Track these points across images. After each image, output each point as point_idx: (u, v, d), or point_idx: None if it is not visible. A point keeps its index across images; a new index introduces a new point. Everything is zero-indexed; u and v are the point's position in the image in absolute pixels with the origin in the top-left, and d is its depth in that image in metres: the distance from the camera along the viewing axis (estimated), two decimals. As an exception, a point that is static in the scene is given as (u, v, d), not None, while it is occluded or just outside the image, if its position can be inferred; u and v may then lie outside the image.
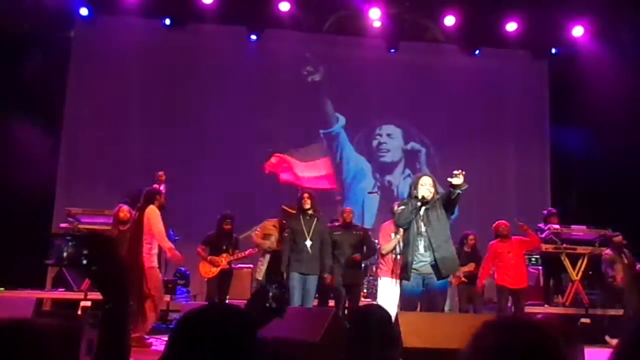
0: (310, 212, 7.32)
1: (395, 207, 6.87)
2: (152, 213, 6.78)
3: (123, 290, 1.90)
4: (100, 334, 1.82)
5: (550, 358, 1.35)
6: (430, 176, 6.03)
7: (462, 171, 5.42)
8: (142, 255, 6.48)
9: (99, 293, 1.89)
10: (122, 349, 1.79)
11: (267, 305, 2.79)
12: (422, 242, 5.58)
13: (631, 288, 8.39)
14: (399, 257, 6.50)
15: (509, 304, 8.10)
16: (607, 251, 8.72)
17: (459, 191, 5.45)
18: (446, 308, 7.75)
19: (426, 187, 5.65)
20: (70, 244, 2.01)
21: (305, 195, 7.48)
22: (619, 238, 8.75)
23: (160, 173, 8.09)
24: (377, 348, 2.71)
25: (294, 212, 7.54)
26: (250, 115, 11.11)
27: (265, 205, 10.38)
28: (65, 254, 2.01)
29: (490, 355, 1.40)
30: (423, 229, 5.59)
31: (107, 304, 1.83)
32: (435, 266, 5.55)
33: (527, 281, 8.26)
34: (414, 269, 5.58)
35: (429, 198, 5.61)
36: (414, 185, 5.79)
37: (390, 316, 2.94)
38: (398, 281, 6.53)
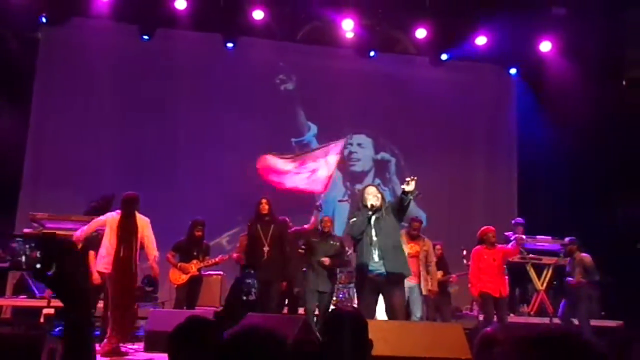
0: (267, 217, 7.45)
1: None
2: (146, 222, 6.74)
3: (84, 298, 1.80)
4: (64, 344, 1.73)
5: None
6: (374, 185, 6.23)
7: (414, 177, 5.52)
8: (135, 261, 6.37)
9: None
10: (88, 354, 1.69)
11: (245, 298, 2.74)
12: (376, 252, 5.61)
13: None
14: None
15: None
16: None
17: (410, 197, 5.57)
18: (417, 315, 7.73)
19: (373, 195, 5.74)
20: (25, 246, 1.89)
21: (264, 200, 7.58)
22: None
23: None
24: (350, 353, 2.65)
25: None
26: (222, 122, 10.98)
27: (236, 212, 10.29)
28: (21, 258, 1.90)
29: None
30: (375, 238, 5.63)
31: (69, 313, 1.74)
32: (387, 273, 5.57)
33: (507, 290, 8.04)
34: (370, 277, 5.60)
35: (378, 205, 5.67)
36: (362, 196, 5.88)
37: (365, 321, 2.86)
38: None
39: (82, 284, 1.82)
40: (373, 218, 5.67)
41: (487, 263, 7.71)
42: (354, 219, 5.88)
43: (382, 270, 5.56)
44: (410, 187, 5.48)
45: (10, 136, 9.80)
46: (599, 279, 8.29)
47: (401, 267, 5.73)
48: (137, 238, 6.58)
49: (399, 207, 5.72)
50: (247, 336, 1.71)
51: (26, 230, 8.24)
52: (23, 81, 10.16)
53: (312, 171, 9.28)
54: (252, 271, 7.05)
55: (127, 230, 6.56)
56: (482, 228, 7.98)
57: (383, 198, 5.85)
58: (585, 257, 8.36)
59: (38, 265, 1.81)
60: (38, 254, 1.82)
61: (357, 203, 6.06)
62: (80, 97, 10.64)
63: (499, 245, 7.97)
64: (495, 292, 7.65)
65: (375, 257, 5.59)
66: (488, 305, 7.71)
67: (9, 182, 9.81)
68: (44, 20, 10.32)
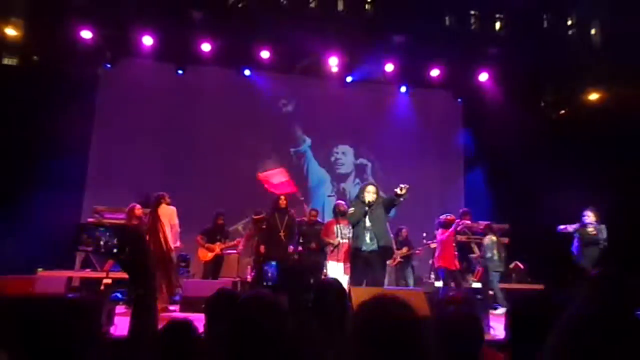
0: (283, 210, 7.44)
1: (340, 207, 6.95)
2: (170, 210, 6.75)
3: (151, 278, 1.81)
4: (132, 316, 1.71)
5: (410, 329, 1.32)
6: (374, 185, 6.10)
7: (407, 186, 5.52)
8: (162, 243, 6.36)
9: (124, 274, 1.77)
10: (152, 327, 1.71)
11: (265, 283, 2.75)
12: (368, 234, 5.63)
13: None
14: (339, 246, 6.58)
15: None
16: (492, 237, 8.45)
17: (400, 199, 5.58)
18: (386, 282, 7.77)
19: (371, 194, 5.74)
20: (106, 234, 1.93)
21: (282, 196, 7.61)
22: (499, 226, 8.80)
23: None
24: (336, 313, 2.64)
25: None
26: (237, 137, 10.95)
27: (248, 204, 10.31)
28: (101, 243, 1.93)
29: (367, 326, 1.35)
30: (368, 224, 5.65)
31: (138, 290, 1.73)
32: (377, 252, 5.59)
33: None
34: (362, 255, 5.63)
35: (373, 201, 5.68)
36: (362, 191, 5.86)
37: (344, 288, 2.88)
38: (341, 263, 6.55)
39: (147, 265, 1.81)
40: (367, 209, 5.69)
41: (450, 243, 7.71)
42: (353, 209, 5.87)
43: (374, 247, 5.59)
44: (402, 192, 5.50)
45: (78, 146, 9.82)
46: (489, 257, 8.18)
47: (388, 248, 5.77)
48: (161, 225, 6.52)
49: (389, 204, 5.75)
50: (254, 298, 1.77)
51: (90, 219, 8.24)
52: (86, 105, 10.14)
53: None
54: (272, 262, 6.98)
55: (152, 220, 6.60)
56: (446, 216, 7.96)
57: (378, 195, 5.83)
58: (487, 239, 8.33)
59: (115, 250, 1.82)
60: (115, 241, 1.83)
61: (357, 196, 5.97)
62: (130, 118, 10.62)
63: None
64: (453, 265, 7.70)
65: (367, 239, 5.62)
66: (449, 277, 7.72)
67: (77, 181, 9.81)
68: (108, 66, 10.31)
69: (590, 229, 7.53)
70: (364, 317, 1.40)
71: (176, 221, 6.83)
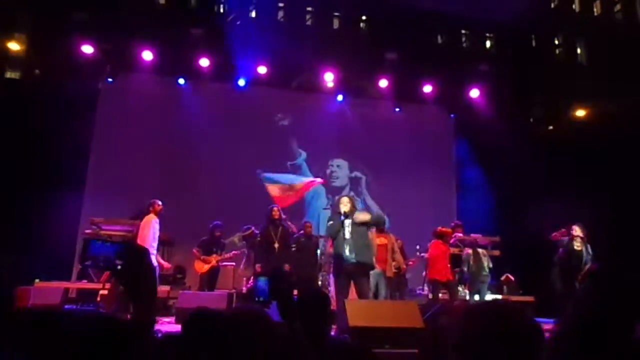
0: (277, 222, 7.23)
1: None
2: (145, 221, 6.43)
3: (154, 296, 1.77)
4: (131, 332, 1.65)
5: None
6: (347, 196, 6.07)
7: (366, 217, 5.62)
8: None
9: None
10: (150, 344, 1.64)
11: (257, 299, 2.71)
12: (347, 247, 5.50)
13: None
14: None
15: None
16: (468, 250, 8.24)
17: (370, 223, 5.67)
18: (383, 294, 7.67)
19: (344, 204, 5.62)
20: (109, 249, 1.85)
21: (275, 208, 7.40)
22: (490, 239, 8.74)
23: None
24: (319, 323, 2.67)
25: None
26: (235, 149, 10.89)
27: (245, 216, 10.23)
28: (102, 258, 1.85)
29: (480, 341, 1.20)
30: (347, 236, 5.53)
31: (139, 308, 1.68)
32: (357, 264, 5.48)
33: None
34: (345, 267, 5.50)
35: (349, 212, 5.57)
36: (337, 205, 5.76)
37: (327, 296, 2.90)
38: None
39: (147, 282, 1.76)
40: (346, 222, 5.57)
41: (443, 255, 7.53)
42: (331, 222, 5.77)
43: (353, 260, 5.46)
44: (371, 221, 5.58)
45: (77, 160, 9.74)
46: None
47: (369, 260, 5.65)
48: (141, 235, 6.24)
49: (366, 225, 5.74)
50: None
51: (87, 231, 8.14)
52: (86, 118, 10.10)
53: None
54: (263, 278, 6.83)
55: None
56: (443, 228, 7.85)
57: (353, 205, 5.73)
58: (465, 252, 8.10)
59: (119, 267, 1.76)
60: (114, 258, 1.78)
61: (334, 210, 5.92)
62: (129, 130, 10.57)
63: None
64: (444, 277, 7.49)
65: (347, 252, 5.49)
66: (436, 289, 7.55)
67: (75, 194, 9.73)
68: (109, 80, 10.30)
69: (576, 244, 7.52)
70: (479, 326, 1.23)
71: (147, 232, 6.30)
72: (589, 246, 7.36)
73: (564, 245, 7.55)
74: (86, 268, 7.54)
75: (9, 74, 9.52)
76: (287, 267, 7.01)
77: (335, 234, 5.63)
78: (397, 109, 11.82)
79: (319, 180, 10.03)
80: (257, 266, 7.11)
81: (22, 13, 9.26)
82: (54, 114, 8.82)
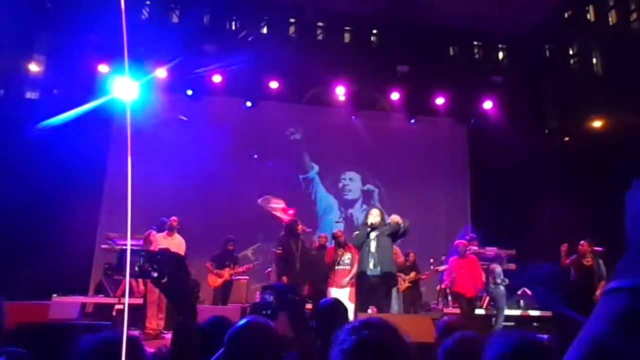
0: (299, 235, 7.23)
1: (339, 238, 6.99)
2: (155, 237, 6.85)
3: (193, 304, 1.82)
4: (172, 340, 1.70)
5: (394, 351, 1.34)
6: (378, 209, 6.18)
7: (407, 222, 5.68)
8: None
9: (137, 298, 1.76)
10: (195, 351, 1.72)
11: (264, 313, 2.81)
12: (372, 260, 5.60)
13: None
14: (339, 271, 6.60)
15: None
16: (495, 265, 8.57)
17: (403, 227, 5.68)
18: (396, 308, 7.74)
19: (373, 216, 5.75)
20: (139, 259, 1.87)
21: (300, 223, 7.43)
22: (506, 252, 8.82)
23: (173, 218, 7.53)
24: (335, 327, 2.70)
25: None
26: (247, 163, 11.13)
27: (257, 230, 10.42)
28: (137, 267, 1.86)
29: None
30: (373, 249, 5.62)
31: (178, 314, 1.72)
32: (381, 277, 5.57)
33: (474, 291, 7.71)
34: (367, 280, 5.59)
35: (376, 224, 5.67)
36: (366, 216, 5.90)
37: (347, 309, 2.96)
38: (344, 289, 6.52)
39: (189, 291, 1.80)
40: (372, 234, 5.65)
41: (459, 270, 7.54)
42: (357, 232, 5.87)
43: (376, 274, 5.54)
44: (403, 225, 5.64)
45: (93, 176, 10.04)
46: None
47: (391, 274, 5.73)
48: None
49: (394, 234, 5.77)
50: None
51: (103, 246, 8.37)
52: (102, 136, 10.41)
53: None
54: (269, 290, 6.86)
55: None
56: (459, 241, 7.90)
57: (382, 219, 5.83)
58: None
59: (155, 274, 1.80)
60: (148, 266, 1.81)
61: (363, 219, 6.00)
62: (143, 145, 10.81)
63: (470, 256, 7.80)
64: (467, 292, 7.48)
65: (371, 265, 5.57)
66: (461, 302, 7.55)
67: (91, 210, 10.01)
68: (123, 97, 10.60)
69: (586, 260, 7.54)
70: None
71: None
72: (600, 261, 7.37)
73: (574, 264, 7.59)
74: (100, 280, 7.79)
75: (28, 95, 9.91)
76: (284, 279, 6.97)
77: (360, 245, 5.73)
78: (413, 121, 11.91)
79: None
80: (284, 278, 7.13)
81: (41, 36, 9.66)
82: (71, 132, 9.15)
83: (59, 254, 7.98)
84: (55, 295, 7.57)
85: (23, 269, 7.54)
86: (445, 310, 8.41)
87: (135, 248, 7.28)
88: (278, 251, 7.21)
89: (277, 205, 9.92)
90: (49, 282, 7.82)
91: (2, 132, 8.72)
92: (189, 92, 10.95)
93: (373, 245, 5.65)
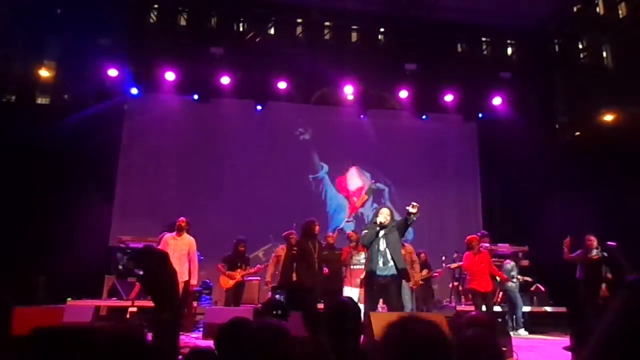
0: (316, 235, 7.07)
1: (351, 237, 6.91)
2: (163, 240, 6.89)
3: (176, 300, 1.80)
4: (154, 337, 1.67)
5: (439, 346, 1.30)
6: (388, 207, 6.06)
7: (417, 204, 5.43)
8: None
9: (149, 301, 1.75)
10: (174, 350, 1.70)
11: (274, 312, 2.81)
12: (382, 259, 5.53)
13: None
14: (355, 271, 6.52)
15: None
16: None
17: (413, 218, 5.44)
18: (409, 307, 7.71)
19: (383, 215, 5.64)
20: (123, 257, 1.85)
21: (317, 222, 7.19)
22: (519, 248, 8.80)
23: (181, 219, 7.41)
24: (352, 332, 2.66)
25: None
26: (256, 164, 11.17)
27: (268, 231, 10.44)
28: (121, 266, 1.84)
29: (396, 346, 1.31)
30: (382, 247, 5.55)
31: (162, 313, 1.70)
32: (392, 276, 5.51)
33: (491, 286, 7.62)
34: (376, 280, 5.51)
35: (386, 223, 5.59)
36: (375, 214, 5.78)
37: (360, 308, 2.93)
38: (355, 288, 6.45)
39: (171, 288, 1.76)
40: (381, 232, 5.58)
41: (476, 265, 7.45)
42: (365, 231, 5.79)
43: (386, 273, 5.48)
44: (413, 209, 5.38)
45: (105, 180, 10.13)
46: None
47: (402, 272, 5.63)
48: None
49: (404, 224, 5.58)
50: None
51: (122, 246, 8.42)
52: (112, 140, 10.50)
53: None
54: (280, 291, 6.80)
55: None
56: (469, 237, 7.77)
57: (392, 218, 5.74)
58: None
59: (139, 272, 1.79)
60: (132, 264, 1.80)
61: (372, 219, 5.86)
62: (154, 149, 10.92)
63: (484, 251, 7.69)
64: (482, 288, 7.37)
65: (381, 263, 5.49)
66: (476, 299, 7.42)
67: (104, 214, 10.10)
68: (135, 91, 10.70)
69: (592, 254, 7.47)
70: (390, 337, 1.35)
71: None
72: (605, 254, 7.30)
73: (580, 259, 7.52)
74: (114, 283, 7.84)
75: (39, 100, 10.02)
76: (294, 277, 6.91)
77: (369, 243, 5.66)
78: (424, 117, 11.86)
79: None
80: (293, 275, 6.98)
81: (51, 41, 9.76)
82: (82, 135, 9.24)
83: (73, 258, 8.06)
84: (69, 299, 7.64)
85: (42, 273, 7.62)
86: (458, 307, 8.36)
87: (122, 247, 7.38)
88: (294, 251, 7.09)
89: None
90: (63, 286, 7.90)
91: (14, 138, 8.83)
92: (195, 97, 10.98)
93: (382, 244, 5.58)
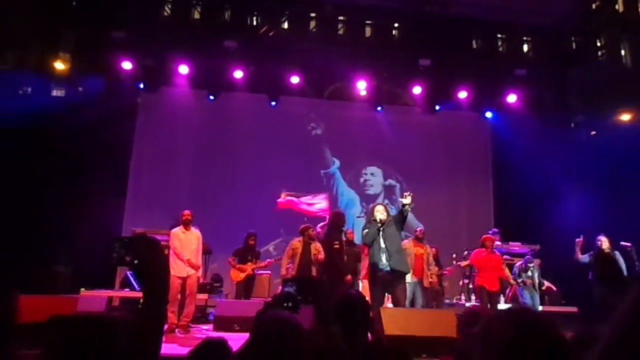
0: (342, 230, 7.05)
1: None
2: (172, 234, 7.02)
3: (163, 286, 1.77)
4: (138, 320, 1.64)
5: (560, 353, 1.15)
6: (382, 204, 6.10)
7: (410, 193, 5.48)
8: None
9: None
10: (158, 334, 1.67)
11: (285, 305, 2.83)
12: (384, 255, 5.57)
13: None
14: None
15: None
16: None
17: (408, 209, 5.50)
18: (420, 303, 7.72)
19: (380, 212, 5.69)
20: (120, 245, 1.83)
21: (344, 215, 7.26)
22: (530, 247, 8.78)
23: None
24: (362, 323, 2.70)
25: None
26: (269, 159, 11.21)
27: (279, 226, 10.49)
28: (115, 254, 1.82)
29: (505, 347, 1.16)
30: (383, 245, 5.59)
31: (149, 296, 1.66)
32: (393, 272, 5.55)
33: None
34: (380, 275, 5.56)
35: (385, 220, 5.64)
36: (371, 213, 5.82)
37: (368, 302, 2.98)
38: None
39: (157, 269, 1.70)
40: (381, 229, 5.64)
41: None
42: (366, 230, 5.81)
43: (388, 268, 5.51)
44: (407, 200, 5.44)
45: (118, 172, 10.23)
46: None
47: (403, 266, 5.67)
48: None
49: (400, 217, 5.63)
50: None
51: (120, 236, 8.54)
52: (126, 133, 10.61)
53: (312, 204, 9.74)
54: (291, 283, 6.82)
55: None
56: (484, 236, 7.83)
57: (388, 213, 5.79)
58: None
59: (135, 261, 1.76)
60: (124, 252, 1.77)
61: (368, 218, 5.95)
62: (167, 142, 11.03)
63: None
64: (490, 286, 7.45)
65: (383, 259, 5.53)
66: (483, 297, 7.50)
67: (117, 207, 10.21)
68: (141, 86, 10.81)
69: (603, 254, 7.38)
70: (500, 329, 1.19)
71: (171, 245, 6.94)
72: (619, 256, 7.23)
73: (595, 258, 7.43)
74: (126, 274, 7.95)
75: (55, 92, 10.14)
76: (349, 279, 6.92)
77: (371, 242, 5.69)
78: (432, 114, 11.80)
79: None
80: (314, 269, 7.04)
81: (66, 34, 9.86)
82: (96, 128, 9.34)
83: (86, 249, 8.18)
84: (83, 289, 7.76)
85: (57, 264, 7.74)
86: (468, 305, 8.36)
87: (116, 236, 7.48)
88: (335, 245, 6.85)
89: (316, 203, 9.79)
90: (77, 276, 8.03)
91: (29, 130, 8.94)
92: (211, 97, 11.05)
93: (382, 240, 5.62)
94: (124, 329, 1.55)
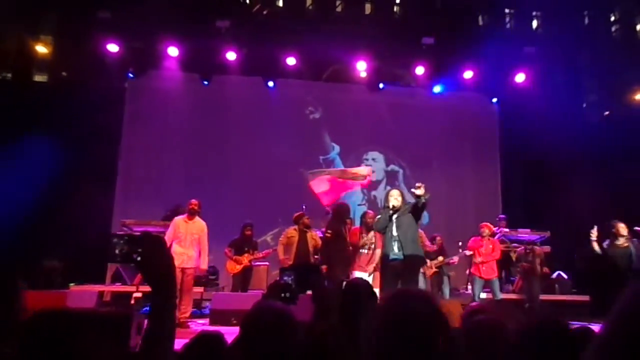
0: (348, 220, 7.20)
1: (367, 218, 6.87)
2: (173, 222, 7.02)
3: (172, 285, 1.80)
4: (148, 321, 1.67)
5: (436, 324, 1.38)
6: (398, 189, 6.01)
7: (422, 184, 5.37)
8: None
9: (149, 286, 1.74)
10: (170, 336, 1.70)
11: (282, 295, 2.84)
12: (396, 244, 5.52)
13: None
14: (362, 255, 6.54)
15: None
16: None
17: (423, 200, 5.38)
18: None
19: (394, 198, 5.62)
20: (120, 242, 1.84)
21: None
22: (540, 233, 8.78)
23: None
24: (365, 311, 2.71)
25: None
26: (265, 145, 11.15)
27: (277, 215, 10.47)
28: (118, 251, 1.82)
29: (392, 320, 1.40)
30: (395, 233, 5.53)
31: (157, 297, 1.70)
32: (406, 261, 5.49)
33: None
34: (391, 264, 5.52)
35: (398, 206, 5.57)
36: (386, 198, 5.76)
37: (373, 289, 2.98)
38: (365, 273, 6.47)
39: (164, 269, 1.72)
40: (394, 216, 5.55)
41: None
42: (379, 216, 5.77)
43: (401, 257, 5.45)
44: (420, 191, 5.32)
45: (106, 162, 10.18)
46: None
47: (417, 257, 5.61)
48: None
49: (415, 209, 5.54)
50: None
51: (119, 232, 8.52)
52: (113, 120, 10.53)
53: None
54: (289, 272, 6.80)
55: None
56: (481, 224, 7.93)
57: (404, 200, 5.70)
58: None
59: (138, 259, 1.78)
60: (129, 249, 1.78)
61: (384, 204, 5.83)
62: (157, 129, 10.97)
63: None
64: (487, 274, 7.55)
65: (395, 248, 5.48)
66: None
67: (106, 197, 10.17)
68: (130, 75, 10.71)
69: (619, 242, 7.32)
70: (384, 311, 1.46)
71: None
72: (635, 241, 7.17)
73: (610, 248, 7.38)
74: (117, 269, 7.96)
75: (36, 77, 10.05)
76: (313, 259, 7.01)
77: (383, 229, 5.65)
78: (436, 96, 11.71)
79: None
80: (324, 267, 6.85)
81: (47, 16, 9.73)
82: (82, 115, 9.28)
83: (75, 242, 8.17)
84: (72, 284, 7.77)
85: (44, 258, 7.73)
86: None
87: (120, 233, 7.44)
88: (328, 235, 6.90)
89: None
90: (65, 271, 8.02)
91: (12, 118, 8.87)
92: (205, 83, 10.97)
93: (394, 228, 5.55)
94: (89, 325, 1.57)
